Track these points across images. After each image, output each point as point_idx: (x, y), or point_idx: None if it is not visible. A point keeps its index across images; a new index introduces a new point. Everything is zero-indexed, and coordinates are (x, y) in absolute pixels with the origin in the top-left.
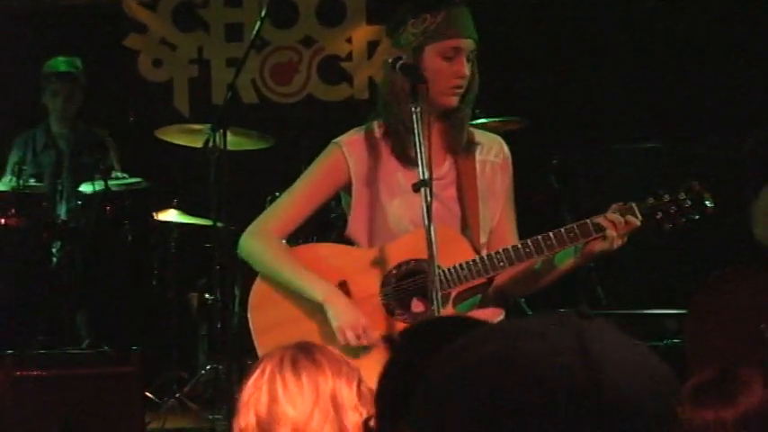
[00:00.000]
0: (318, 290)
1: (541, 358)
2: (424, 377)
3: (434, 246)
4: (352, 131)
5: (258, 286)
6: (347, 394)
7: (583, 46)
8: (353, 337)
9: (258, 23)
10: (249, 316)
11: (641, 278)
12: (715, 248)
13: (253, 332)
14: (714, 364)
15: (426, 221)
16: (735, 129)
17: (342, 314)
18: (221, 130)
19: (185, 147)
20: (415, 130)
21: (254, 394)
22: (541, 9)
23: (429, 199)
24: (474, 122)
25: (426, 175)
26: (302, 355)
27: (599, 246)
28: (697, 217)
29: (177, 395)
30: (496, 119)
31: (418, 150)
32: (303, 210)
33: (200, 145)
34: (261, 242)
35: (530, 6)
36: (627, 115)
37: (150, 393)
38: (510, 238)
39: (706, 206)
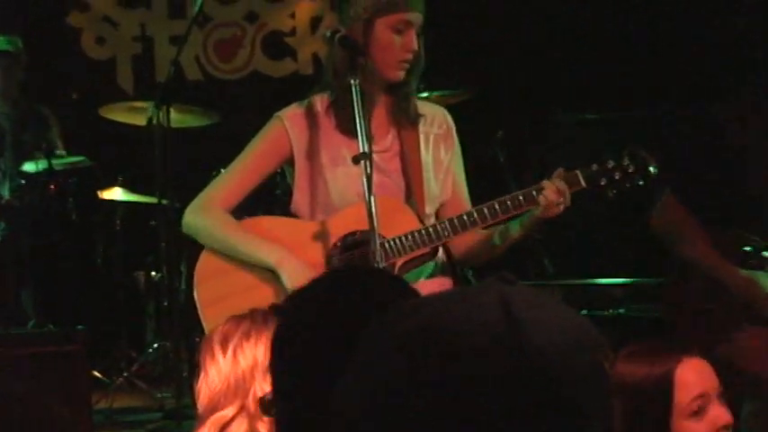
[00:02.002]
0: (269, 254)
1: (465, 322)
2: (353, 354)
3: (375, 217)
4: (293, 105)
5: (204, 260)
6: None
7: (528, 18)
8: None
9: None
10: (195, 290)
11: (587, 249)
12: None
13: (199, 306)
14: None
15: (366, 194)
16: (679, 100)
17: (297, 274)
18: (165, 108)
19: (129, 124)
20: (354, 103)
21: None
22: None
23: (369, 171)
24: (419, 95)
25: (366, 148)
26: None
27: (543, 213)
28: (641, 183)
29: (125, 374)
30: (441, 92)
31: (358, 123)
32: (246, 183)
33: (144, 123)
34: (205, 215)
35: None
36: (572, 86)
37: (98, 372)
38: (464, 206)
39: (650, 171)
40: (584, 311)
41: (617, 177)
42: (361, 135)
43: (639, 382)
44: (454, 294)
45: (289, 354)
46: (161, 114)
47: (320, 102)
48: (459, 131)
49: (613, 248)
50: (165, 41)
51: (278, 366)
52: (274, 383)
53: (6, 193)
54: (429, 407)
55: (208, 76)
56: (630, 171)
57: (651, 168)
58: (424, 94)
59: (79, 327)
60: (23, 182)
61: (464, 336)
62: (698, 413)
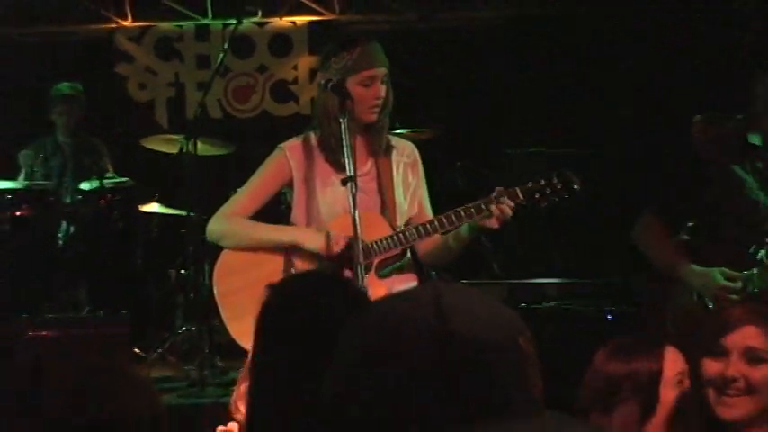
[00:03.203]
0: (288, 235)
1: (405, 315)
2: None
3: (359, 227)
4: (293, 139)
5: (221, 261)
6: None
7: (484, 72)
8: (337, 248)
9: (222, 54)
10: (214, 286)
11: (527, 254)
12: (587, 232)
13: (216, 297)
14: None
15: (352, 208)
16: (596, 137)
17: (315, 241)
18: (193, 140)
19: (164, 153)
20: (343, 137)
21: None
22: (449, 47)
23: (354, 191)
24: (395, 132)
25: (352, 173)
26: None
27: (489, 223)
28: (567, 196)
29: (159, 350)
30: (414, 129)
31: (346, 153)
32: (254, 201)
33: (176, 151)
34: (227, 221)
35: (440, 45)
36: (519, 126)
37: (138, 349)
38: (428, 218)
39: (573, 188)
40: (524, 305)
41: (548, 192)
42: (348, 162)
43: (642, 364)
44: (401, 294)
45: (268, 319)
46: (190, 145)
47: (314, 137)
48: (426, 161)
49: (547, 253)
50: (194, 87)
51: (260, 329)
52: (255, 343)
53: (69, 205)
54: (380, 383)
55: (227, 115)
56: (559, 188)
57: (575, 186)
58: (401, 131)
59: (123, 312)
60: (80, 197)
61: (405, 327)
62: (679, 383)
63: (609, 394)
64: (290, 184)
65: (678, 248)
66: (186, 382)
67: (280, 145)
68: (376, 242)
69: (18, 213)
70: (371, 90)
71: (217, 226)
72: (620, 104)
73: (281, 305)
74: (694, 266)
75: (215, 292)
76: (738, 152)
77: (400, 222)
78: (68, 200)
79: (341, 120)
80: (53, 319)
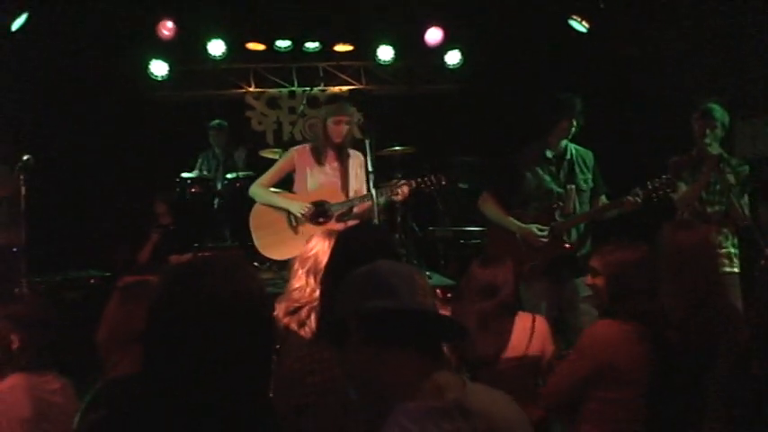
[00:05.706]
0: (285, 203)
1: (391, 269)
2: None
3: (375, 203)
4: (298, 146)
5: (254, 210)
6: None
7: (442, 119)
8: (306, 214)
9: (302, 106)
10: (250, 221)
11: (463, 214)
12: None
13: (251, 229)
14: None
15: (373, 192)
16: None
17: (297, 207)
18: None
19: (272, 158)
20: (368, 149)
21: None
22: (424, 104)
23: (371, 184)
24: (391, 149)
25: (371, 169)
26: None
27: (396, 198)
28: (439, 187)
29: (267, 264)
30: (404, 148)
31: (369, 157)
32: (274, 179)
33: (278, 158)
34: (258, 189)
35: (419, 103)
36: (459, 145)
37: (256, 263)
38: (364, 192)
39: (442, 183)
40: (462, 241)
41: (428, 183)
42: (371, 164)
43: (509, 270)
44: (386, 262)
45: (335, 252)
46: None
47: (309, 145)
48: (408, 165)
49: (475, 214)
50: (288, 124)
51: (331, 257)
52: (327, 266)
53: (220, 187)
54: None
55: (304, 138)
56: (433, 181)
57: (443, 182)
58: (397, 147)
59: (249, 243)
60: (226, 182)
61: (381, 273)
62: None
63: (495, 288)
64: (293, 170)
65: (508, 214)
66: (282, 281)
67: (291, 148)
68: (336, 204)
69: (193, 190)
70: (338, 128)
71: (253, 190)
72: (506, 138)
73: (345, 247)
74: (520, 224)
75: (250, 225)
76: (539, 161)
77: (351, 194)
78: (220, 184)
79: (367, 141)
80: (211, 246)
